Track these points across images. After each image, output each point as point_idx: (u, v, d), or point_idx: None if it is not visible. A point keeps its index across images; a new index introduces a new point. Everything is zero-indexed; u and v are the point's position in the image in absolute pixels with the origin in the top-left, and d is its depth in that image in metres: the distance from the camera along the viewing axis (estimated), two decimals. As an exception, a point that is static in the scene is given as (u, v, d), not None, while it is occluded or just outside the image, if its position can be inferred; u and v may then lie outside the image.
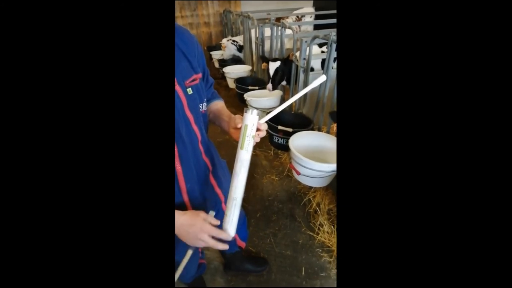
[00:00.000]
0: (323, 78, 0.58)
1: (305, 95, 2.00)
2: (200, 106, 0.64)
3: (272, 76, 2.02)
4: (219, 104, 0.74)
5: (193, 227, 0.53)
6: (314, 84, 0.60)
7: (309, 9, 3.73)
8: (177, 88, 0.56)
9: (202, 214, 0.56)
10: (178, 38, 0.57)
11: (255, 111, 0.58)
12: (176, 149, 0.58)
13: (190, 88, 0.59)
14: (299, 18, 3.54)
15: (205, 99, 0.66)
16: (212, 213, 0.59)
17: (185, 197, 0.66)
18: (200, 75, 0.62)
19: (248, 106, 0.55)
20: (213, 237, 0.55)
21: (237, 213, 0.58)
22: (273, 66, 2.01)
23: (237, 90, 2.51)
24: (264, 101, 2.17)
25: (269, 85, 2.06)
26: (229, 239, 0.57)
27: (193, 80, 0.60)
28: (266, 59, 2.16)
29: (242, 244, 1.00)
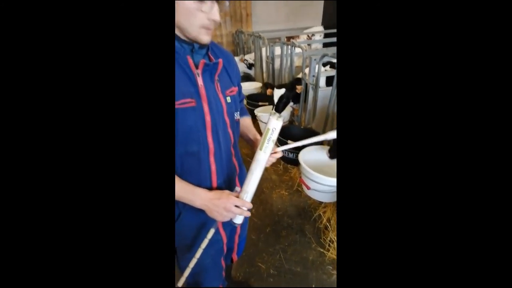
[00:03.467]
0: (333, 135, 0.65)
1: (314, 110, 2.04)
2: (235, 114, 0.73)
3: (276, 103, 2.06)
4: (247, 121, 0.86)
5: (220, 200, 0.62)
6: (322, 137, 0.66)
7: (318, 28, 3.86)
8: (220, 95, 0.66)
9: (226, 190, 0.66)
10: (222, 55, 0.69)
11: (282, 117, 0.63)
12: (212, 146, 0.65)
13: (229, 97, 0.69)
14: (309, 37, 3.67)
15: (239, 110, 0.76)
16: (238, 188, 0.67)
17: None
18: (236, 88, 0.73)
19: (274, 112, 0.66)
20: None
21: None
22: (277, 93, 2.09)
23: (248, 106, 2.58)
24: (274, 117, 2.22)
25: (273, 111, 2.10)
26: (251, 207, 0.66)
27: (231, 91, 0.70)
28: (271, 86, 2.23)
29: (235, 257, 1.00)
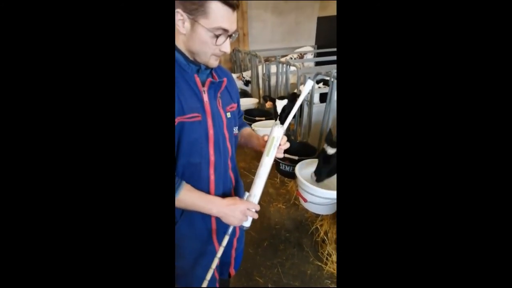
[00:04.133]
0: (309, 83, 0.72)
1: (310, 125, 2.10)
2: (234, 129, 0.79)
3: (280, 114, 2.13)
4: (248, 130, 0.93)
5: (236, 205, 0.68)
6: (305, 90, 0.73)
7: (308, 47, 4.04)
8: (221, 110, 0.72)
9: (236, 197, 0.72)
10: (223, 74, 0.76)
11: (284, 126, 0.72)
12: (213, 158, 0.70)
13: (229, 113, 0.75)
14: (301, 56, 3.82)
15: (237, 125, 0.82)
16: (247, 193, 0.74)
17: None
18: (236, 105, 0.81)
19: (277, 122, 0.75)
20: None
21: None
22: (280, 104, 2.12)
23: (245, 121, 2.64)
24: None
25: (277, 122, 2.16)
26: (259, 209, 0.73)
27: (231, 107, 0.77)
28: (270, 99, 2.28)
29: (233, 271, 1.01)
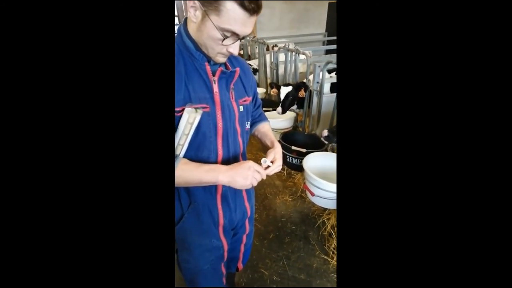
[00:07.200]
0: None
1: (319, 116, 2.04)
2: (246, 124, 0.74)
3: (283, 100, 2.09)
4: (266, 127, 0.86)
5: (245, 176, 0.61)
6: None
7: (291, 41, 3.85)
8: (234, 103, 0.68)
9: (250, 164, 0.63)
10: (239, 65, 0.70)
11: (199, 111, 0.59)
12: (221, 153, 0.66)
13: (241, 106, 0.70)
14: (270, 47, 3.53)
15: (250, 119, 0.77)
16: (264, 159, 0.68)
17: (218, 199, 0.72)
18: (250, 98, 0.75)
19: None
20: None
21: None
22: (284, 90, 2.08)
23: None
24: (278, 122, 2.24)
25: (279, 109, 2.12)
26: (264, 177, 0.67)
27: (244, 101, 0.72)
28: (276, 86, 2.23)
29: (241, 266, 1.00)
